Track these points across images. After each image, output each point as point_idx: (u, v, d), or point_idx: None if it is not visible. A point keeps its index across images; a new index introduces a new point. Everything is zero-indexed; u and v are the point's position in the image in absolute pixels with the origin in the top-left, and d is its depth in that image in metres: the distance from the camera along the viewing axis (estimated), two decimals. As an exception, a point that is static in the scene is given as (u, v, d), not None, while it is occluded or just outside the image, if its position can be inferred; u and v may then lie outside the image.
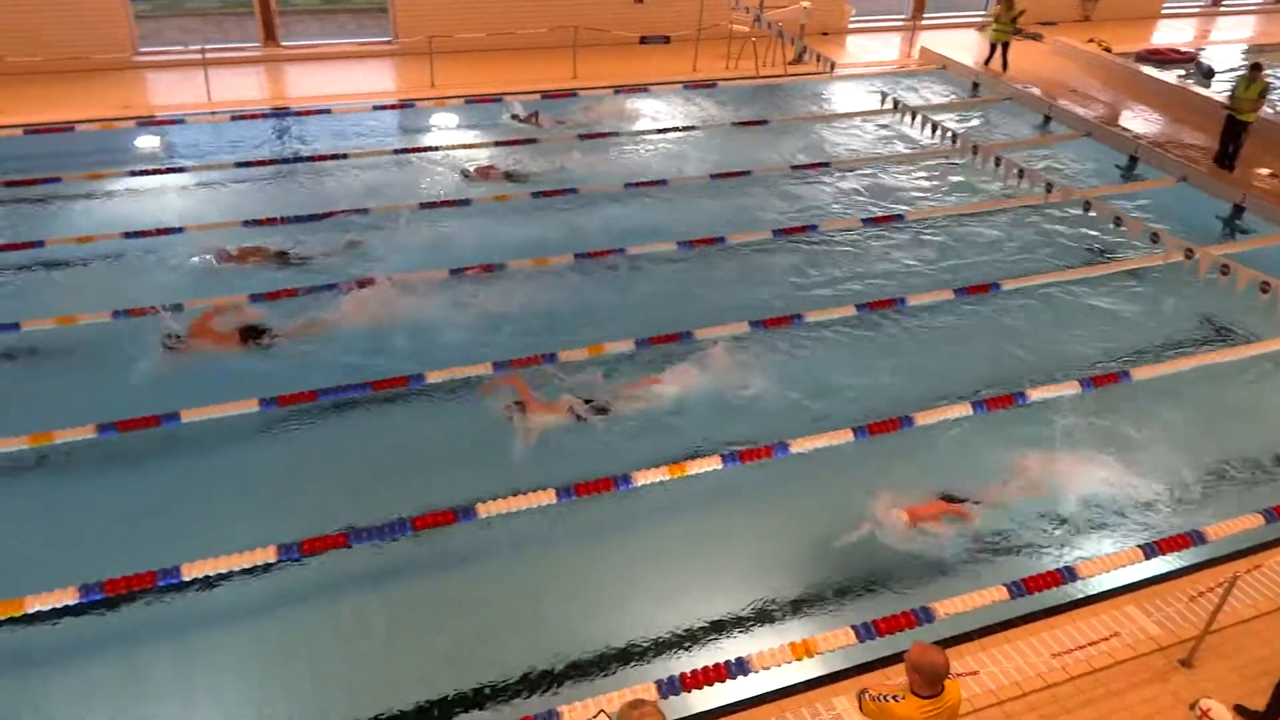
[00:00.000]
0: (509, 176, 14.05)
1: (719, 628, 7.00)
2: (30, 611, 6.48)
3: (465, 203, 13.06)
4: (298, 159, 14.32)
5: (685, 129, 16.28)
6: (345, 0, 22.98)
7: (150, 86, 16.88)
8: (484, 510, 7.44)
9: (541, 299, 10.90)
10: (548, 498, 7.60)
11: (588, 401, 8.97)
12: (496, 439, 8.62)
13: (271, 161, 14.18)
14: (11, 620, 6.50)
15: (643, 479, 7.85)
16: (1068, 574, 7.07)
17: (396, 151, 14.76)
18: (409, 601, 7.25)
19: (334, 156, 14.27)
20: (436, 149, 15.09)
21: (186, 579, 6.80)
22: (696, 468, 8.03)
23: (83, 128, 14.54)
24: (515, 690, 6.45)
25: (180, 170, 13.73)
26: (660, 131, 16.15)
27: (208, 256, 11.42)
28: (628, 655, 6.75)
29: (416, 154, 14.86)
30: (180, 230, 11.81)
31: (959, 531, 7.71)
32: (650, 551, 7.71)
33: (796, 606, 7.19)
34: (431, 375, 9.18)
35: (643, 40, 19.96)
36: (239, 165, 13.85)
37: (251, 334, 9.90)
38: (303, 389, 8.84)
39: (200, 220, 12.18)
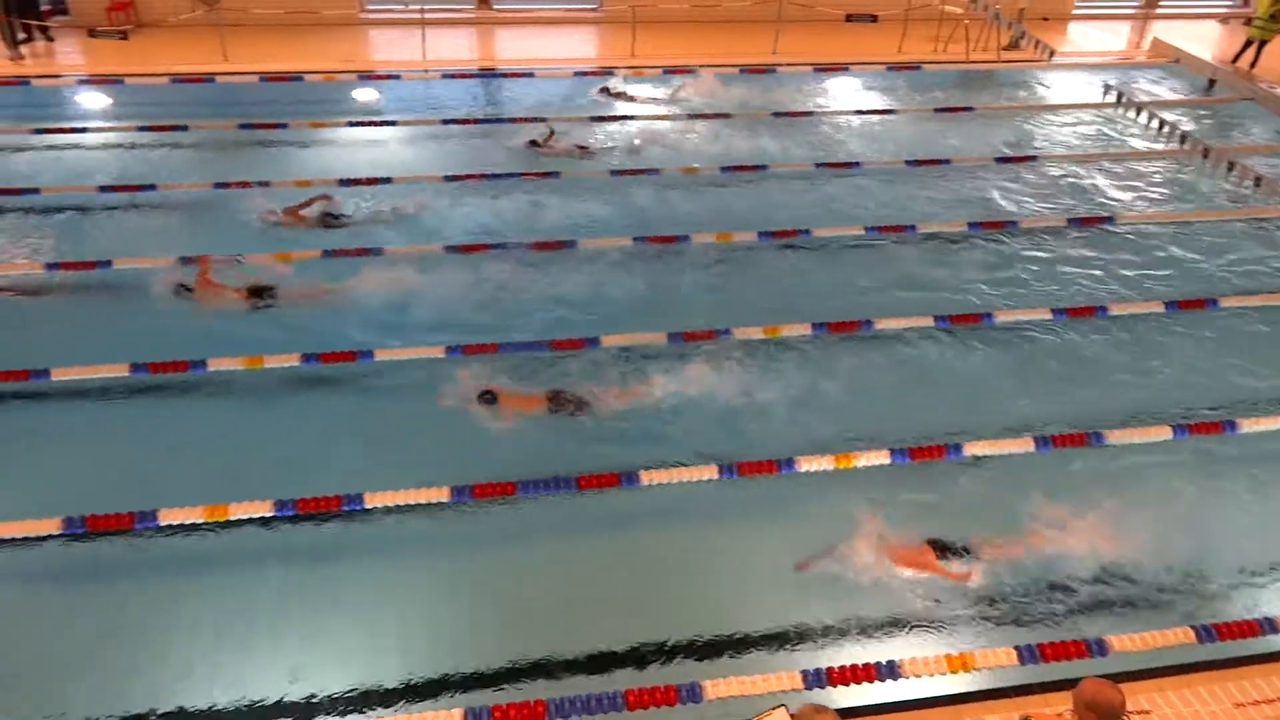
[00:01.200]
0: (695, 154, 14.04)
1: (872, 628, 6.81)
2: (232, 518, 7.11)
3: (654, 172, 13.17)
4: (499, 119, 14.79)
5: (883, 112, 15.78)
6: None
7: (372, 43, 17.89)
8: (647, 477, 7.56)
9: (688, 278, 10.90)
10: (710, 472, 7.63)
11: None
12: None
13: (475, 120, 14.71)
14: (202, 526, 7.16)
15: (807, 464, 7.75)
16: (1266, 625, 6.47)
17: (592, 119, 15.01)
18: (551, 559, 7.42)
19: (532, 119, 14.67)
20: (631, 118, 15.25)
21: (368, 507, 7.27)
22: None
23: (310, 78, 15.59)
24: (656, 657, 6.51)
25: (391, 124, 14.49)
26: (858, 113, 15.72)
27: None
28: (773, 641, 6.68)
29: (613, 122, 15.05)
30: (389, 180, 12.50)
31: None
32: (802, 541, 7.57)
33: (957, 619, 6.89)
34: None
35: (849, 18, 19.42)
36: (445, 122, 14.48)
37: None
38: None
39: (410, 171, 12.84)
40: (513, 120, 14.67)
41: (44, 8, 17.07)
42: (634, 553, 7.46)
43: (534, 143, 13.83)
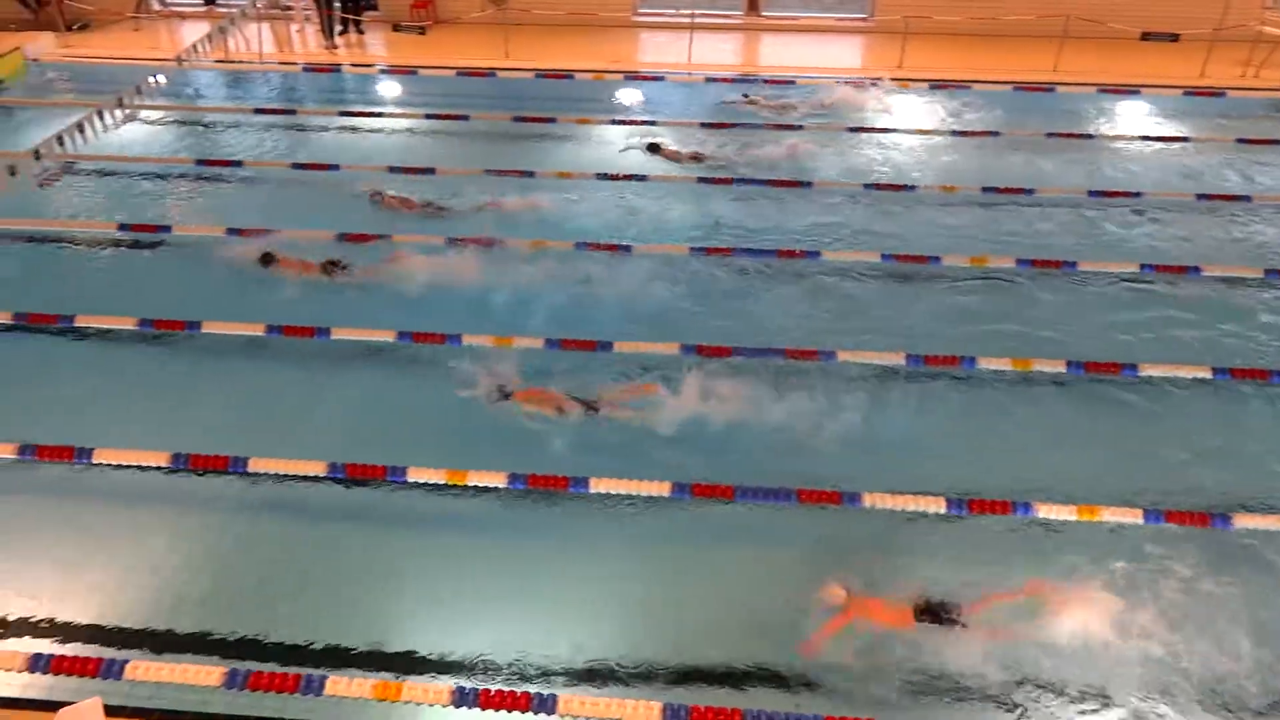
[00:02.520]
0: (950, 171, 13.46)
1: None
2: (471, 484, 7.61)
3: (910, 188, 12.77)
4: (755, 125, 14.84)
5: (1175, 139, 14.45)
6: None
7: (641, 45, 18.51)
8: (870, 500, 7.38)
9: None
10: (937, 504, 7.32)
11: None
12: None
13: (732, 125, 14.85)
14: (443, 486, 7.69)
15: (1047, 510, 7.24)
16: None
17: (850, 130, 14.76)
18: (752, 570, 7.35)
19: (787, 127, 14.62)
20: (892, 130, 14.86)
21: (593, 491, 7.55)
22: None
23: (580, 76, 16.36)
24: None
25: (652, 123, 14.91)
26: (1144, 139, 14.49)
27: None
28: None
29: (872, 134, 14.74)
30: (643, 178, 12.90)
31: None
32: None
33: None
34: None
35: (1144, 36, 17.89)
36: (703, 125, 14.73)
37: None
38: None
39: (665, 171, 13.18)
40: (768, 127, 14.69)
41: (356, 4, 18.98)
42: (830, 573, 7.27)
43: (654, 146, 13.92)
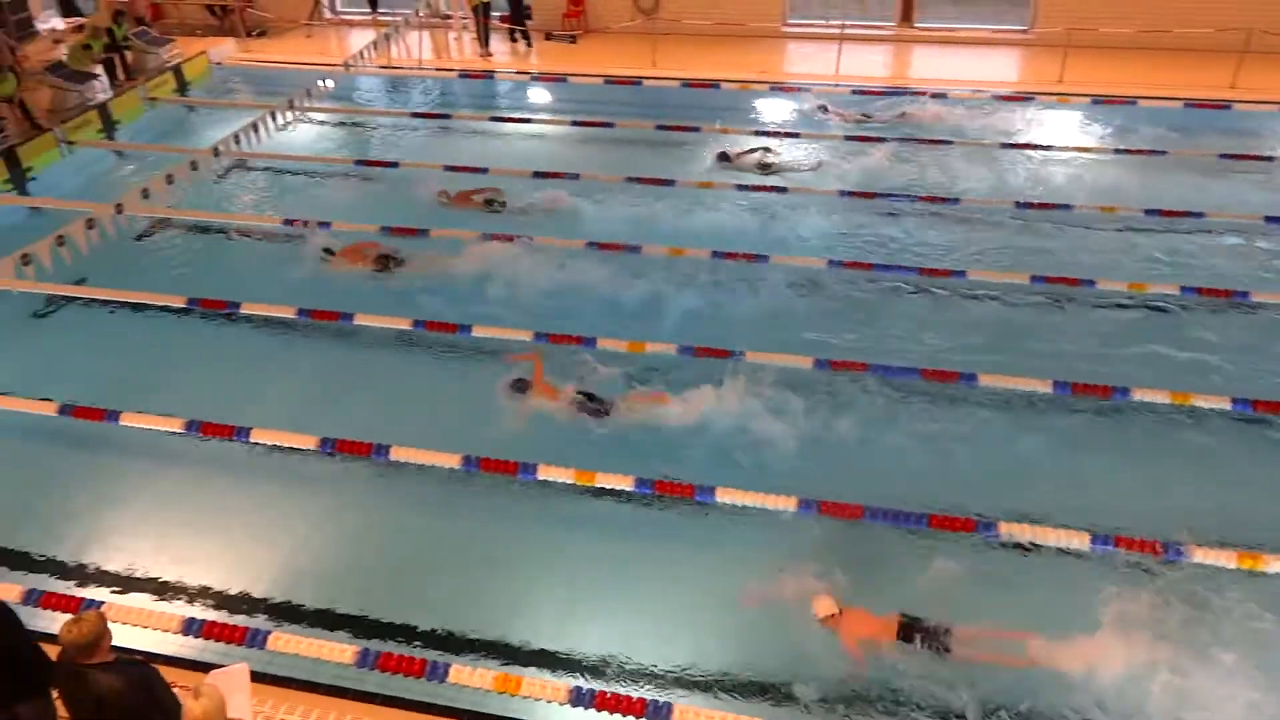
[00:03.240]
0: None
1: None
2: (598, 485, 7.72)
3: (1064, 207, 12.20)
4: (904, 138, 14.49)
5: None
6: (988, -15, 22.55)
7: (788, 55, 18.37)
8: (1005, 529, 7.10)
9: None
10: (1082, 540, 6.96)
11: None
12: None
13: (878, 139, 14.55)
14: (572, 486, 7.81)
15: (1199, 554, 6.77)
16: None
17: (1003, 145, 14.22)
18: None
19: (939, 142, 14.22)
20: (1046, 148, 14.24)
21: (719, 501, 7.54)
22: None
23: (726, 86, 16.37)
24: None
25: (794, 135, 14.77)
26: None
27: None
28: None
29: (1024, 150, 14.17)
30: (784, 190, 12.80)
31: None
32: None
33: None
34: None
35: (1338, 51, 16.56)
36: (847, 139, 14.49)
37: None
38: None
39: (805, 183, 13.06)
40: (919, 141, 14.32)
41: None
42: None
43: (724, 155, 13.77)
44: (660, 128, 14.84)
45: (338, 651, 6.31)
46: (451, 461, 7.99)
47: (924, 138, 14.36)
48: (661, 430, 8.48)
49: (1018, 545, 7.17)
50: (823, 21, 19.06)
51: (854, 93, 16.04)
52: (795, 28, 19.24)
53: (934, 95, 15.64)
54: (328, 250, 11.27)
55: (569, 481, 7.76)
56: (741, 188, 12.93)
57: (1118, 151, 13.98)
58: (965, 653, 6.31)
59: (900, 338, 9.85)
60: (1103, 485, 7.92)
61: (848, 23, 17.85)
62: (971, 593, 6.81)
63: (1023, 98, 15.79)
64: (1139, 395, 8.60)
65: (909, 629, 6.39)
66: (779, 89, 16.38)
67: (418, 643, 6.73)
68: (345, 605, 7.06)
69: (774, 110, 15.82)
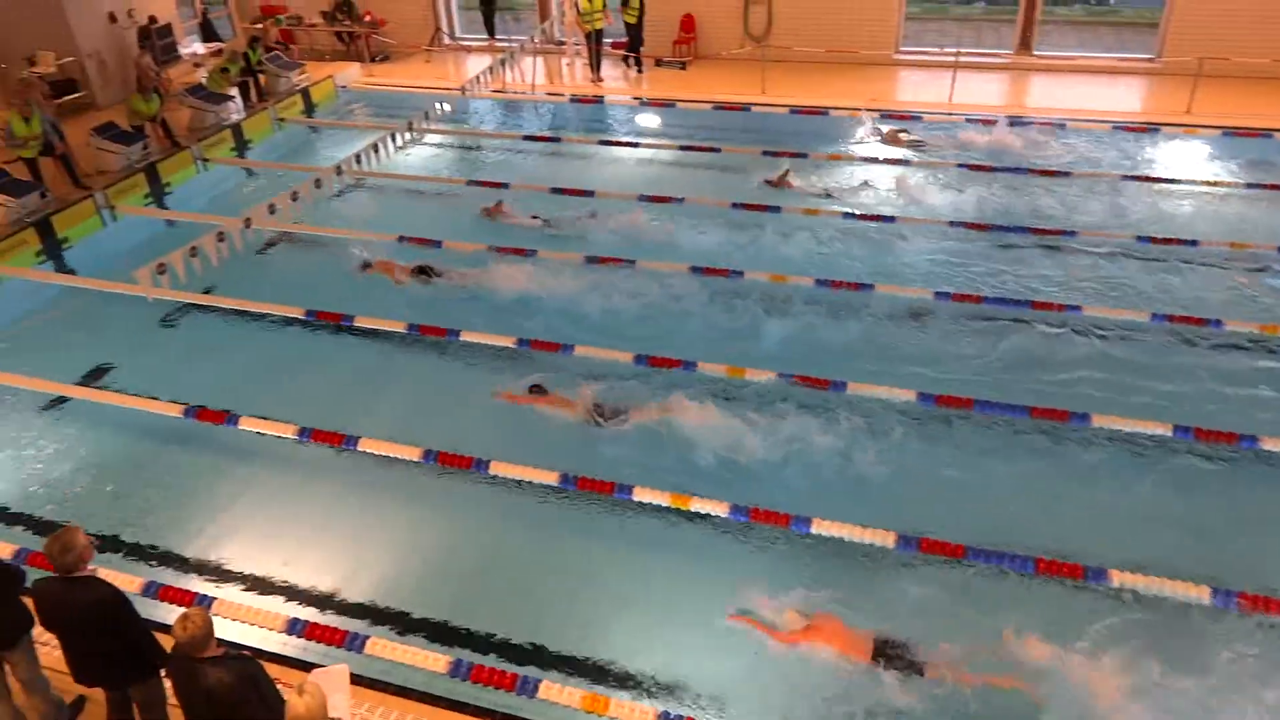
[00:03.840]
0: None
1: None
2: (692, 509, 7.70)
3: (1191, 243, 11.67)
4: (1015, 169, 14.12)
5: None
6: (1112, 13, 21.89)
7: (900, 83, 18.13)
8: (1118, 578, 6.77)
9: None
10: (1201, 592, 6.58)
11: None
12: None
13: (991, 168, 14.21)
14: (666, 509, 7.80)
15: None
16: None
17: (1124, 178, 13.71)
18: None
19: (1055, 173, 13.81)
20: (1171, 180, 13.66)
21: (814, 532, 7.43)
22: None
23: (835, 113, 16.26)
24: None
25: (905, 163, 14.55)
26: None
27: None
28: None
29: (1151, 183, 13.63)
30: (892, 220, 12.62)
31: None
32: None
33: None
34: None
35: None
36: (960, 166, 14.20)
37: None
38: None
39: (915, 214, 12.85)
40: (1033, 171, 13.92)
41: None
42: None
43: (769, 181, 13.91)
44: (767, 153, 14.82)
45: (432, 660, 6.44)
46: (549, 478, 8.09)
47: (1041, 168, 13.96)
48: (759, 459, 8.42)
49: (1134, 595, 6.84)
50: (937, 50, 18.77)
51: (967, 120, 15.72)
52: (908, 55, 18.99)
53: (996, 122, 15.38)
54: (365, 264, 11.99)
55: (664, 504, 7.77)
56: (848, 215, 12.80)
57: (1250, 186, 13.33)
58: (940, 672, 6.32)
59: (1009, 374, 9.57)
60: (1228, 538, 7.51)
61: (963, 51, 17.52)
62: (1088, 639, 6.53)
63: (1146, 128, 15.23)
64: (1269, 445, 8.13)
65: (883, 647, 6.47)
66: (889, 116, 16.16)
67: (509, 655, 6.82)
68: (441, 614, 7.21)
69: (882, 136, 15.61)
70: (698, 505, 7.69)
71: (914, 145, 15.02)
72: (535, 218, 13.17)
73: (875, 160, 14.71)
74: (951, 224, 12.50)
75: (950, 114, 16.06)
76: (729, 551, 7.65)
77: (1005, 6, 19.66)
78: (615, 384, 9.47)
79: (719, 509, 7.64)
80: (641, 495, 7.82)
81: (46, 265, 12.81)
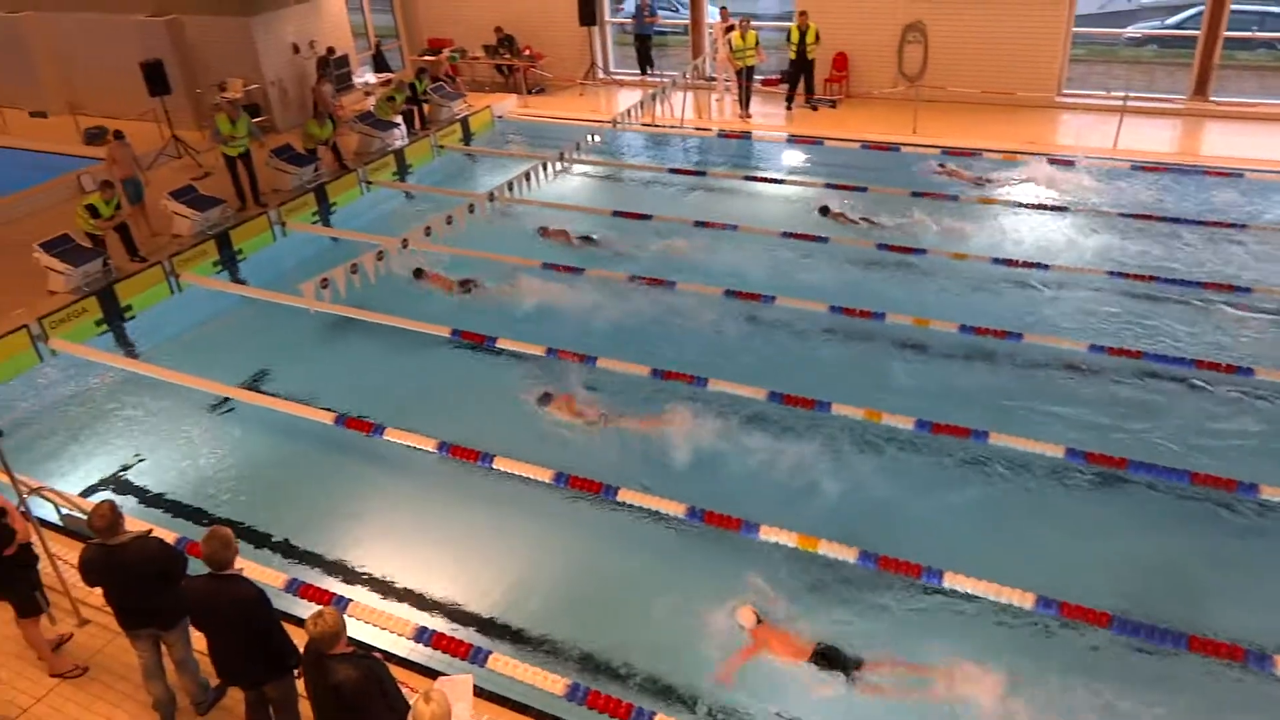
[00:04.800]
0: None
1: None
2: (820, 551, 7.58)
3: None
4: (1192, 221, 13.33)
5: None
6: (1302, 57, 20.47)
7: (1060, 126, 17.44)
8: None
9: None
10: None
11: None
12: None
13: (1160, 217, 13.47)
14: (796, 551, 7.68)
15: None
16: None
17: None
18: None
19: (1230, 225, 12.98)
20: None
21: (946, 586, 7.15)
22: None
23: (988, 155, 15.80)
24: None
25: (1062, 210, 13.97)
26: None
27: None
28: None
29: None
30: (1046, 267, 12.14)
31: None
32: None
33: None
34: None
35: None
36: (1123, 215, 13.54)
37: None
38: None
39: (1071, 262, 12.35)
40: (1203, 223, 13.14)
41: (769, 78, 19.94)
42: None
43: (825, 209, 14.30)
44: (915, 194, 14.53)
45: (551, 681, 6.53)
46: (677, 509, 8.11)
47: (1214, 219, 13.17)
48: (888, 502, 8.22)
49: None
50: (1103, 93, 18.00)
51: (1134, 168, 14.99)
52: (1071, 98, 18.27)
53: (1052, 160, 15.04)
54: (418, 272, 12.97)
55: (791, 545, 7.66)
56: (997, 261, 12.38)
57: None
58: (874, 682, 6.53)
59: (1169, 436, 9.02)
60: None
61: (1131, 95, 16.74)
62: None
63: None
64: None
65: (823, 655, 6.74)
66: (1048, 160, 15.57)
67: (627, 684, 6.84)
68: (562, 635, 7.32)
69: (1037, 179, 15.05)
70: (825, 549, 7.56)
71: (979, 182, 15.00)
72: (586, 239, 14.00)
73: (1031, 205, 14.17)
74: (1111, 274, 11.92)
75: (1114, 159, 15.34)
76: (865, 601, 7.46)
77: (1180, 49, 18.70)
78: (746, 420, 9.46)
79: (846, 554, 7.49)
80: (766, 534, 7.75)
81: (223, 275, 13.79)
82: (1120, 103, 16.36)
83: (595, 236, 14.06)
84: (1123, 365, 10.11)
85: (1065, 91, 18.31)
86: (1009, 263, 12.31)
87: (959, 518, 8.23)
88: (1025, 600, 6.96)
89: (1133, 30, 21.97)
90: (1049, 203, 14.24)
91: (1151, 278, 11.72)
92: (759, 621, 7.01)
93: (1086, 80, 19.18)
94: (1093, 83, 19.09)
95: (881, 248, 12.97)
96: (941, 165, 15.69)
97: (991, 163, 15.59)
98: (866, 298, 11.56)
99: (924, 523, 8.14)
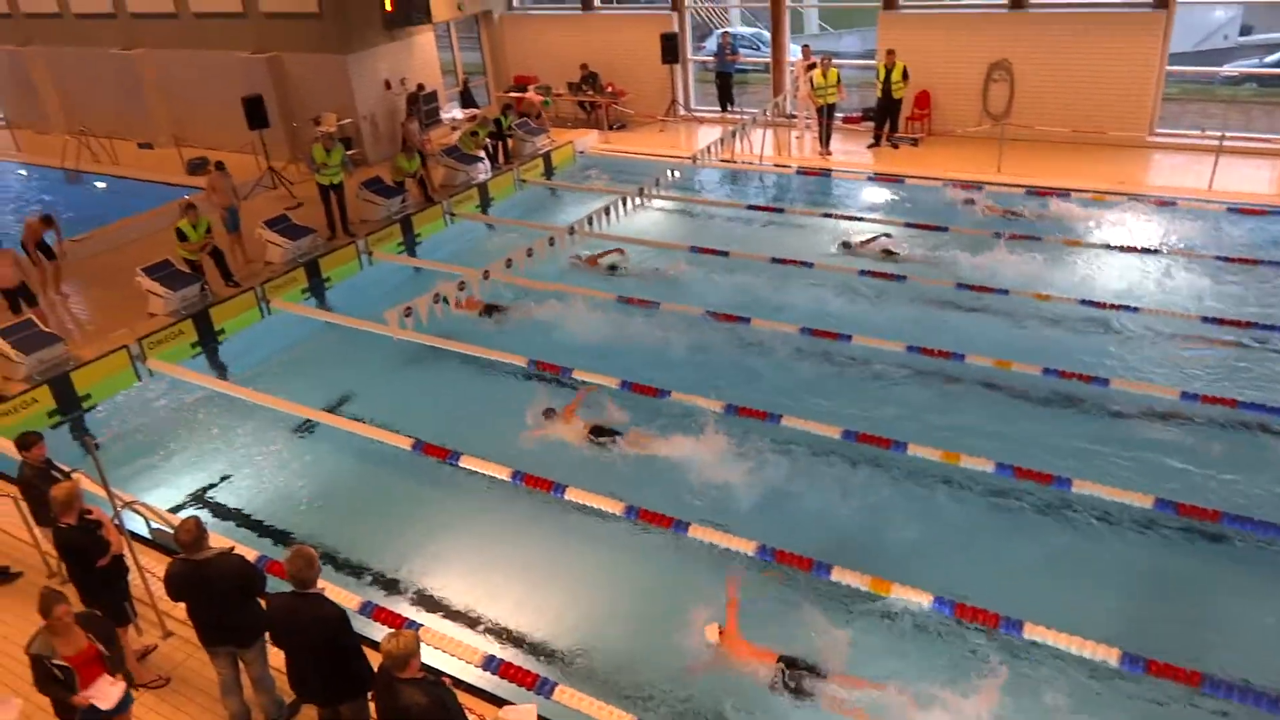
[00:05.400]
0: None
1: None
2: (891, 596, 7.42)
3: None
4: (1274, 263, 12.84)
5: None
6: None
7: (1152, 166, 16.97)
8: None
9: None
10: None
11: None
12: None
13: (1252, 261, 12.98)
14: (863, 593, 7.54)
15: None
16: None
17: None
18: None
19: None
20: None
21: (1026, 635, 6.93)
22: None
23: (1076, 194, 15.44)
24: None
25: (1154, 252, 13.54)
26: None
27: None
28: None
29: None
30: (1135, 310, 11.78)
31: None
32: None
33: None
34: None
35: None
36: (1219, 259, 13.07)
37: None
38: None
39: (1160, 306, 11.99)
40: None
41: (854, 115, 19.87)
42: None
43: (846, 244, 14.52)
44: (997, 234, 14.27)
45: (616, 717, 6.50)
46: (747, 547, 8.04)
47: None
48: (975, 550, 8.01)
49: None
50: (1198, 132, 17.48)
51: (1229, 210, 14.49)
52: (1163, 138, 17.78)
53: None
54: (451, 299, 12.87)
55: (863, 587, 7.53)
56: (1084, 302, 12.06)
57: None
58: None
59: (1266, 489, 8.63)
60: None
61: (1229, 134, 16.22)
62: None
63: None
64: None
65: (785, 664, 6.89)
66: (1137, 200, 15.15)
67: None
68: (629, 670, 7.28)
69: (1134, 220, 14.66)
70: (898, 593, 7.41)
71: (1010, 216, 15.03)
72: (612, 269, 14.36)
73: (1121, 247, 13.78)
74: (1204, 319, 11.51)
75: (1210, 201, 14.85)
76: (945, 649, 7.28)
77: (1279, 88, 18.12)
78: (818, 457, 9.35)
79: (921, 598, 7.32)
80: (838, 575, 7.63)
81: (311, 301, 14.26)
82: (1216, 142, 15.87)
83: (624, 264, 14.47)
84: (1216, 414, 9.72)
85: (1158, 131, 17.83)
86: (1096, 304, 11.99)
87: (1038, 565, 7.99)
88: (1109, 655, 6.70)
89: (1229, 69, 21.35)
90: (1139, 244, 13.83)
91: (1249, 323, 11.29)
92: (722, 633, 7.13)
93: (1180, 119, 18.68)
94: (1186, 122, 18.58)
95: (961, 287, 12.75)
96: (970, 200, 15.68)
97: (1080, 202, 15.24)
98: (946, 337, 11.39)
99: (1000, 569, 7.92)
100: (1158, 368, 10.82)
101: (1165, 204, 14.94)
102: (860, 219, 15.76)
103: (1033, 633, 6.93)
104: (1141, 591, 7.68)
